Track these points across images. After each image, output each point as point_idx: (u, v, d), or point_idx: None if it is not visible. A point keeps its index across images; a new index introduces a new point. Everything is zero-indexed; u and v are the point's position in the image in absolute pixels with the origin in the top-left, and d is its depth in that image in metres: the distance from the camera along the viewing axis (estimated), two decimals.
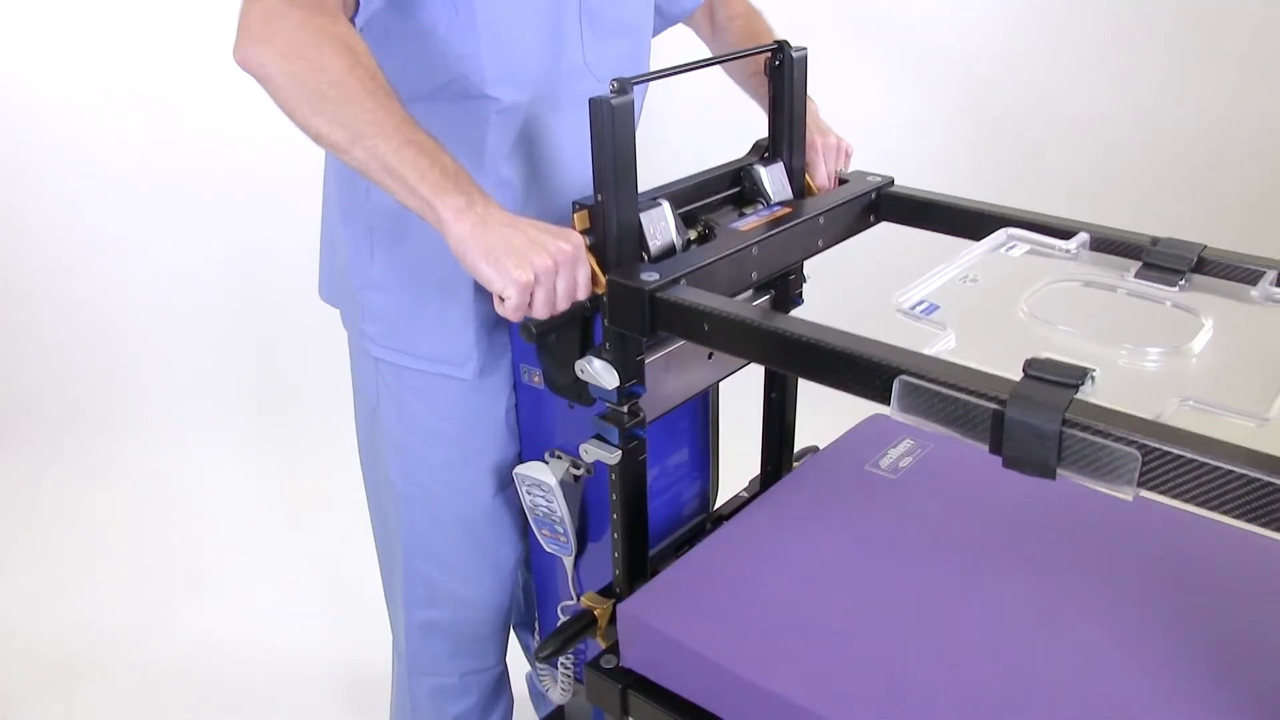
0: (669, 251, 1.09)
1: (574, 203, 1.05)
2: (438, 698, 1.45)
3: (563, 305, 0.99)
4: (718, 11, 1.43)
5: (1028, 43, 3.14)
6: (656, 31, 1.38)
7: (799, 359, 0.89)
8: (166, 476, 2.74)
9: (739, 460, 1.47)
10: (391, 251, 1.20)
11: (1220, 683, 0.92)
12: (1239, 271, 1.01)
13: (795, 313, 1.29)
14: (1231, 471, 0.68)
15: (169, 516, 2.60)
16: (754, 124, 1.30)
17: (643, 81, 1.05)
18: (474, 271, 0.95)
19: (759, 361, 0.95)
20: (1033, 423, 0.74)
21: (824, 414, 1.51)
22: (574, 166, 1.22)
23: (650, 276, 0.99)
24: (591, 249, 1.02)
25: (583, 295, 1.00)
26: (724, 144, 1.43)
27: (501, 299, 0.96)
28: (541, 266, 0.95)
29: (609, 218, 1.01)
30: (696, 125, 2.63)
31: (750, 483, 1.42)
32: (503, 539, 1.35)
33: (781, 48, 1.18)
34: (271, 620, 2.24)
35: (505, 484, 1.31)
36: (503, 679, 1.52)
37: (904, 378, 0.81)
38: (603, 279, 1.02)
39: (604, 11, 1.19)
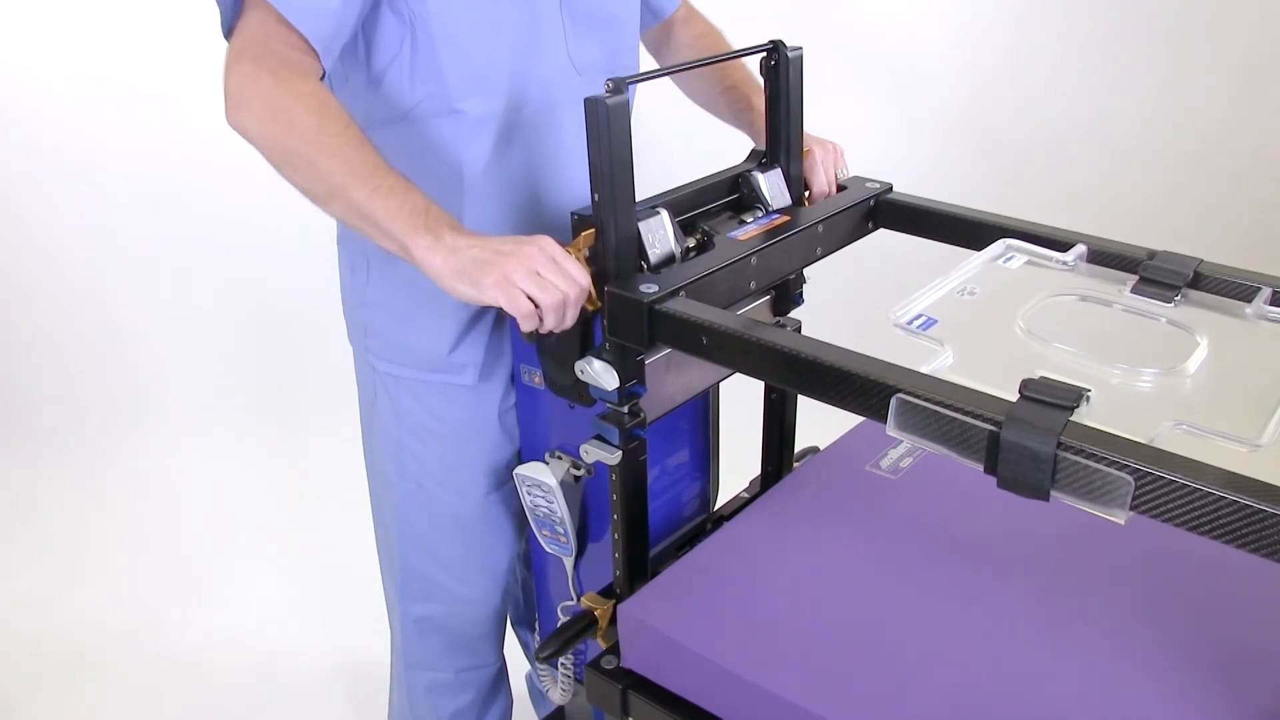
0: (668, 260, 1.09)
1: (572, 214, 1.05)
2: (434, 694, 1.46)
3: (564, 286, 0.98)
4: (677, 31, 1.42)
5: (1026, 51, 3.14)
6: (645, 27, 1.37)
7: (796, 375, 0.89)
8: (167, 476, 2.73)
9: (739, 460, 1.47)
10: (386, 272, 1.23)
11: (1220, 684, 0.92)
12: (1234, 288, 1.01)
13: (796, 313, 1.30)
14: (1224, 498, 0.68)
15: (170, 516, 2.60)
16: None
17: (638, 81, 1.04)
18: (456, 295, 0.98)
19: (756, 376, 0.95)
20: (1028, 445, 0.74)
21: (824, 414, 1.50)
22: (566, 170, 1.22)
23: (649, 288, 0.99)
24: (591, 260, 1.02)
25: (577, 275, 0.99)
26: (720, 150, 1.42)
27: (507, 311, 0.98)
28: (510, 267, 0.96)
29: (607, 226, 1.01)
30: (690, 130, 2.61)
31: (751, 483, 1.42)
32: (498, 538, 1.36)
33: (776, 47, 1.17)
34: (271, 620, 2.24)
35: (500, 484, 1.32)
36: (500, 676, 1.53)
37: (901, 396, 0.81)
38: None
39: (585, 5, 1.18)
